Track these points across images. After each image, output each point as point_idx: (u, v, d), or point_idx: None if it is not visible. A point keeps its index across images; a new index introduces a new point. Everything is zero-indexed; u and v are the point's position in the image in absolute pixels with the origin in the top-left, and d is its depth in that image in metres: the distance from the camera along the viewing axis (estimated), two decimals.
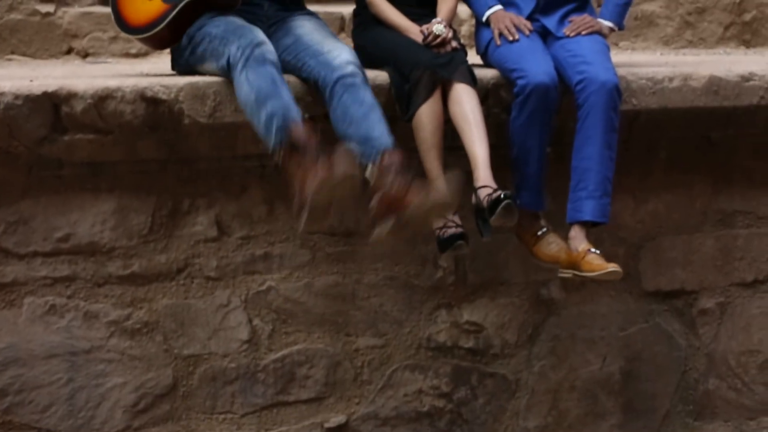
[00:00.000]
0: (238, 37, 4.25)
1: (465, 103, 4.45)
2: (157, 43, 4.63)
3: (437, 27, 4.55)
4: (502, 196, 4.30)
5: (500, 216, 4.32)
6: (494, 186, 4.37)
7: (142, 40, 4.60)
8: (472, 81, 4.52)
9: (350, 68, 4.29)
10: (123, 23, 4.59)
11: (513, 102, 4.55)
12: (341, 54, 4.35)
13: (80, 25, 5.96)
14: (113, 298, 4.63)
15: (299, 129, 4.09)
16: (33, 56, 5.94)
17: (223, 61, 4.29)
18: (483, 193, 4.38)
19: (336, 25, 6.03)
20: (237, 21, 4.37)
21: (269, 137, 4.12)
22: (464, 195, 4.36)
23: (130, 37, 4.66)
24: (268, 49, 4.24)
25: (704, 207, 5.33)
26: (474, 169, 4.43)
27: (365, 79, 4.34)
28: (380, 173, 4.12)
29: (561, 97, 4.60)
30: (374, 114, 4.26)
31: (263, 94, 4.15)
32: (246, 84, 4.18)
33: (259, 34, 4.29)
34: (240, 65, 4.20)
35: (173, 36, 4.51)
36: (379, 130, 4.23)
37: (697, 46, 6.75)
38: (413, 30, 4.61)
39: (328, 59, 4.32)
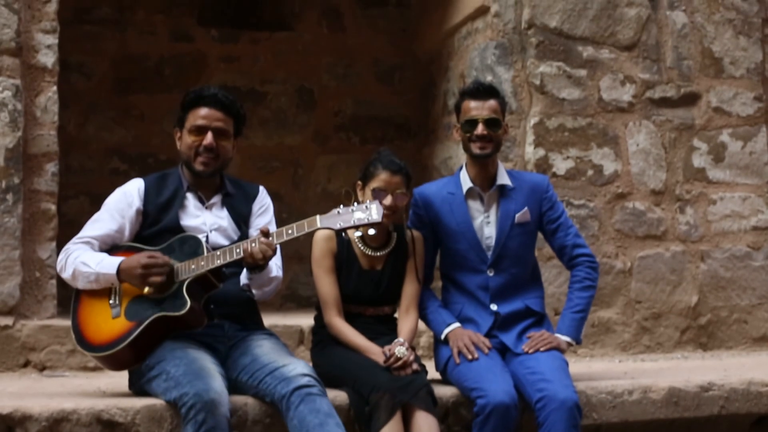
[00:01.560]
0: (193, 389, 4.19)
1: None
2: (116, 363, 4.57)
3: (399, 350, 4.55)
4: None
5: None
6: None
7: (102, 359, 4.54)
8: (433, 404, 4.49)
9: (306, 379, 4.28)
10: (84, 342, 4.55)
11: (473, 421, 4.52)
12: (296, 367, 4.34)
13: (38, 338, 5.95)
14: None
15: None
16: None
17: (177, 405, 4.24)
18: None
19: (295, 338, 6.06)
20: (197, 362, 4.34)
21: None
22: None
23: (90, 356, 4.61)
24: (221, 411, 4.17)
25: None
26: None
27: (322, 390, 4.31)
28: None
29: (521, 414, 4.57)
30: (331, 421, 4.21)
31: None
32: None
33: (216, 385, 4.23)
34: (190, 430, 4.14)
35: (134, 356, 4.48)
36: None
37: (655, 351, 6.82)
38: (373, 350, 4.60)
39: (284, 372, 4.31)
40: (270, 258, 4.42)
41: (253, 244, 4.38)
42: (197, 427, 4.12)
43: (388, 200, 4.65)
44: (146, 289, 4.44)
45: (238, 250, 4.40)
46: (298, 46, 8.46)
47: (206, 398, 4.14)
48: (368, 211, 4.35)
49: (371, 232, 4.43)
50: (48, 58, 6.21)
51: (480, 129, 4.86)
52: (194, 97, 4.70)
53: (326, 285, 4.73)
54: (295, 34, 8.49)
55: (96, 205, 4.82)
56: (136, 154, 8.08)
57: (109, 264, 4.51)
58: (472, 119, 4.88)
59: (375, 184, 4.69)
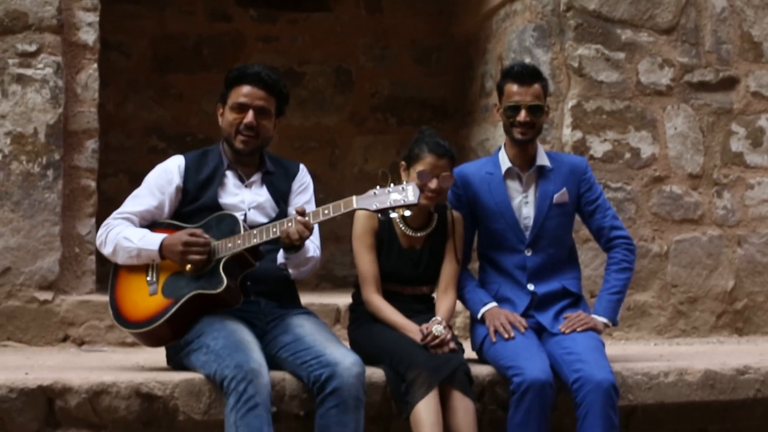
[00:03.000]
0: (234, 361, 4.22)
1: (460, 417, 4.42)
2: (154, 339, 4.59)
3: (437, 328, 4.55)
4: None
5: None
6: None
7: (139, 335, 4.58)
8: (469, 383, 4.51)
9: (351, 380, 4.25)
10: (121, 318, 4.60)
11: (510, 399, 4.53)
12: (346, 359, 4.32)
13: (77, 313, 6.01)
14: None
15: None
16: (29, 343, 5.97)
17: (217, 379, 4.29)
18: None
19: (331, 317, 6.09)
20: (236, 334, 4.37)
21: None
22: None
23: (128, 332, 4.65)
24: (262, 382, 4.19)
25: None
26: None
27: (362, 394, 4.29)
28: None
29: (557, 394, 4.58)
30: None
31: None
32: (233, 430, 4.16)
33: (255, 356, 4.26)
34: (231, 402, 4.17)
35: (172, 332, 4.52)
36: None
37: (691, 335, 6.81)
38: (411, 328, 4.62)
39: (329, 360, 4.31)
40: (306, 238, 4.44)
41: (290, 224, 4.39)
42: (238, 397, 4.14)
43: (434, 183, 4.67)
44: (187, 267, 4.47)
45: (274, 229, 4.42)
46: (336, 27, 8.47)
47: (247, 368, 4.17)
48: (404, 193, 4.36)
49: (407, 213, 4.44)
50: (89, 36, 6.25)
51: (523, 116, 4.85)
52: (237, 75, 4.70)
53: (366, 262, 4.75)
54: (333, 15, 8.49)
55: (135, 183, 4.85)
56: (175, 133, 8.12)
57: (152, 240, 4.54)
58: (515, 105, 4.87)
59: (420, 166, 4.69)
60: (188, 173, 4.72)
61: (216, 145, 4.84)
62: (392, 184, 4.39)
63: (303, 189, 4.87)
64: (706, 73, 7.00)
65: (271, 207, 4.75)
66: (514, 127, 4.89)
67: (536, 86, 4.89)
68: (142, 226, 4.67)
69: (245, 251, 4.47)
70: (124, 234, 4.59)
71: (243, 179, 4.76)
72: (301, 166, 4.94)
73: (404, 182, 4.48)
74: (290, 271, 4.66)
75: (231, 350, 4.27)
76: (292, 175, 4.87)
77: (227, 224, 4.56)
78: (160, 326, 4.47)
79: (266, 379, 4.22)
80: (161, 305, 4.49)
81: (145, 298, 4.53)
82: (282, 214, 4.70)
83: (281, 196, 4.79)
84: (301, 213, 4.41)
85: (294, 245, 4.45)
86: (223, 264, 4.45)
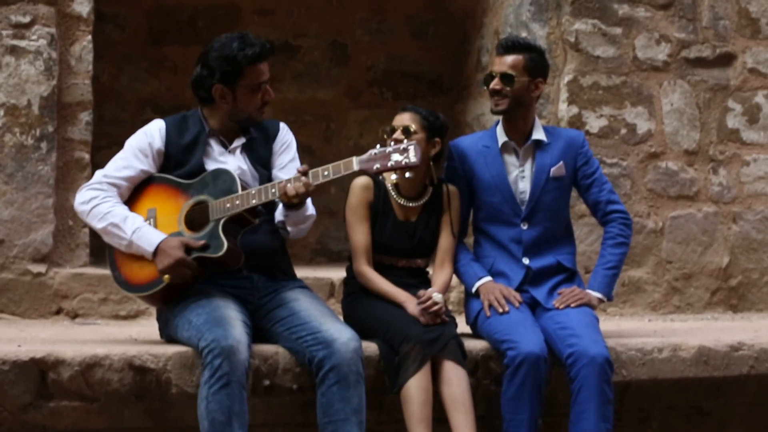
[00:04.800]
0: (212, 335, 4.20)
1: (454, 385, 4.42)
2: (159, 300, 4.56)
3: (436, 295, 4.53)
4: None
5: None
6: None
7: (144, 298, 4.57)
8: (462, 356, 4.50)
9: (349, 355, 4.26)
10: (123, 281, 4.56)
11: (504, 373, 4.53)
12: (342, 335, 4.31)
13: (71, 286, 6.00)
14: None
15: None
16: (22, 315, 5.97)
17: (198, 350, 4.29)
18: None
19: (325, 291, 6.08)
20: (219, 310, 4.34)
21: None
22: None
23: (130, 295, 4.61)
24: (238, 359, 4.17)
25: None
26: None
27: (361, 368, 4.29)
28: None
29: (551, 369, 4.58)
30: (355, 419, 4.24)
31: (215, 428, 4.14)
32: (204, 405, 4.16)
33: (235, 332, 4.23)
34: (206, 375, 4.17)
35: (177, 291, 4.48)
36: None
37: (685, 311, 6.81)
38: (403, 297, 4.61)
39: (326, 337, 4.30)
40: (304, 196, 4.40)
41: (289, 184, 4.37)
42: (213, 371, 4.14)
43: (396, 133, 4.68)
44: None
45: (273, 190, 4.38)
46: (333, 0, 8.42)
47: (224, 344, 4.15)
48: (406, 153, 4.32)
49: (408, 175, 4.40)
50: (83, 8, 6.21)
51: (492, 83, 4.84)
52: (253, 55, 4.57)
53: (359, 233, 4.74)
54: None
55: None
56: (169, 105, 8.04)
57: (147, 240, 4.44)
58: (489, 74, 4.87)
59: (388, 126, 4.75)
60: (169, 137, 4.65)
61: (194, 110, 4.76)
62: (392, 143, 4.35)
63: (285, 148, 4.80)
64: (703, 49, 6.97)
65: (251, 174, 4.68)
66: (490, 97, 4.88)
67: (515, 56, 4.85)
68: (130, 190, 4.60)
69: (244, 211, 4.44)
70: (114, 220, 4.48)
71: (226, 146, 4.71)
72: (281, 124, 4.86)
73: (404, 141, 4.45)
74: (289, 229, 4.63)
75: (211, 325, 4.25)
76: (272, 136, 4.79)
77: (223, 182, 4.50)
78: (162, 289, 4.43)
79: (243, 356, 4.19)
80: None
81: (146, 258, 4.47)
82: (263, 179, 4.65)
83: (261, 161, 4.72)
84: (304, 172, 4.38)
85: (293, 204, 4.42)
86: (222, 225, 4.41)
